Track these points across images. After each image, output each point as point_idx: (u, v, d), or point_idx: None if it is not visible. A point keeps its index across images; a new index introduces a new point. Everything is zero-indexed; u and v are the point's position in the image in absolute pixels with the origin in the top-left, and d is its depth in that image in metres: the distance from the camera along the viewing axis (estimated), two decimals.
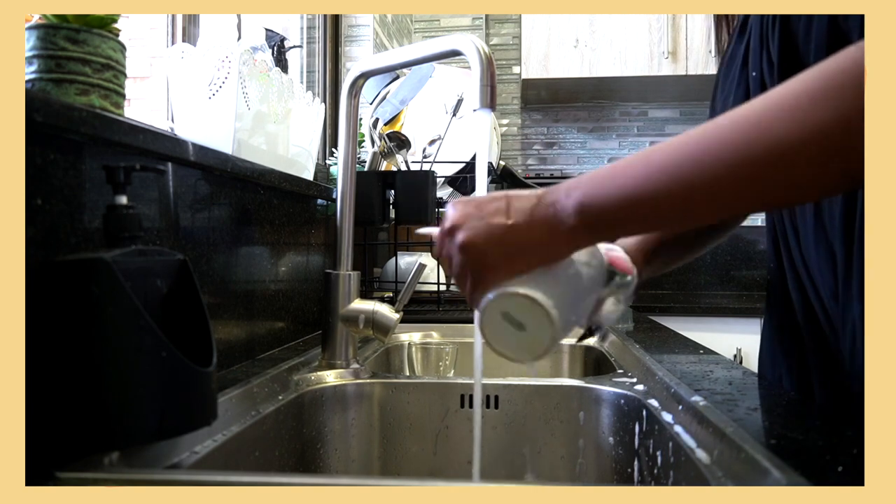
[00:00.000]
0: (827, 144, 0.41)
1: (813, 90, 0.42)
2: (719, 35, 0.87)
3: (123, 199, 0.53)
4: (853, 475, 0.43)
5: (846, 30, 0.58)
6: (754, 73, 0.70)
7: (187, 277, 0.55)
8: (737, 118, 0.45)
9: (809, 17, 0.61)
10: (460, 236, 0.52)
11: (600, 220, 0.49)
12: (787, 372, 0.75)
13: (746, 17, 0.75)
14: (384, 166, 1.51)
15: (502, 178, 1.76)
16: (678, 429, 0.62)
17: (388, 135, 1.52)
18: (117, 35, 0.67)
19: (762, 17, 0.69)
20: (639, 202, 0.47)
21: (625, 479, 0.77)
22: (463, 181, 1.72)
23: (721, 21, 0.86)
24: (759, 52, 0.69)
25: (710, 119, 0.69)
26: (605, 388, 0.83)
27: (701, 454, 0.55)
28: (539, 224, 0.50)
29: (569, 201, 0.49)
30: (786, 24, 0.65)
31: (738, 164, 0.43)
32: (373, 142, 1.65)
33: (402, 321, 0.92)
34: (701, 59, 2.43)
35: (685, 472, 0.57)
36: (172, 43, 1.26)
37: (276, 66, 1.20)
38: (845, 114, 0.40)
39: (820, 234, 0.66)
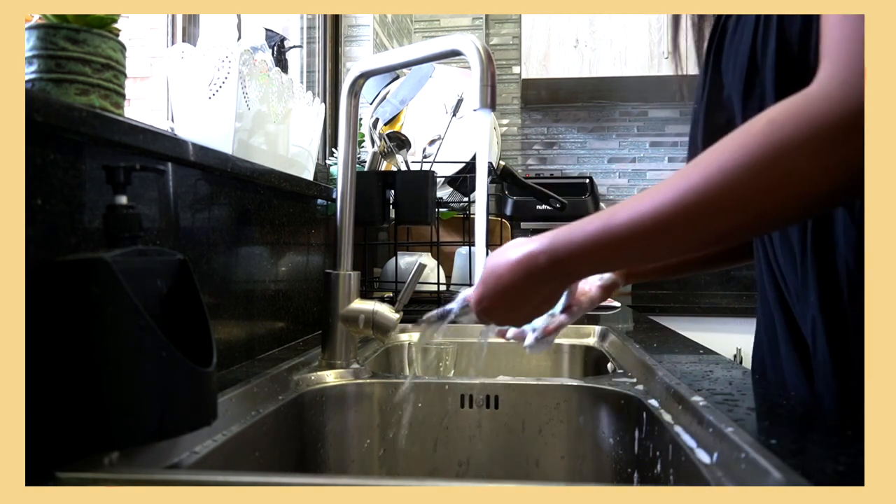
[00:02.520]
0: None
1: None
2: (676, 35, 0.89)
3: (123, 199, 0.53)
4: (853, 475, 0.43)
5: (789, 38, 0.59)
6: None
7: (187, 277, 0.55)
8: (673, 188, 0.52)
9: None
10: (479, 308, 0.69)
11: (563, 266, 0.60)
12: (773, 369, 0.75)
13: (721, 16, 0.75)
14: (384, 166, 1.51)
15: (502, 177, 1.76)
16: (678, 429, 0.62)
17: (388, 135, 1.52)
18: (117, 35, 0.67)
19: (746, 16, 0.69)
20: (598, 249, 0.57)
21: (624, 479, 0.77)
22: (463, 181, 1.72)
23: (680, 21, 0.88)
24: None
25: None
26: (605, 388, 0.83)
27: (701, 454, 0.55)
28: (521, 277, 0.63)
29: (542, 255, 0.61)
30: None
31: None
32: (373, 142, 1.65)
33: (402, 321, 0.92)
34: (701, 59, 2.42)
35: (685, 472, 0.57)
36: (172, 43, 1.26)
37: (276, 66, 1.20)
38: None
39: (783, 232, 0.67)
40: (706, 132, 0.72)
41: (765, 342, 0.76)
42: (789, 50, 0.59)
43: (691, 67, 0.91)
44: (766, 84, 0.62)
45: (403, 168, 1.50)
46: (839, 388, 0.61)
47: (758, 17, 0.63)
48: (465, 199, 1.70)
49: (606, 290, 0.87)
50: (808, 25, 0.55)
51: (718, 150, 0.49)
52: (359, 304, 0.89)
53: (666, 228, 0.52)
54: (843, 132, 0.44)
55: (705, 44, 0.82)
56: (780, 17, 0.60)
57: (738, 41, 0.66)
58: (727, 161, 0.48)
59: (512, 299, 0.65)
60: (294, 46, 1.40)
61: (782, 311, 0.70)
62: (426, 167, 1.53)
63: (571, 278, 0.69)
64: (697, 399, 0.63)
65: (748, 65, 0.64)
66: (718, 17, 0.74)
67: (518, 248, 0.64)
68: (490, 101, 0.71)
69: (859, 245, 0.59)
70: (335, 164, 1.55)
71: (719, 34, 0.71)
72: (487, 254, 0.75)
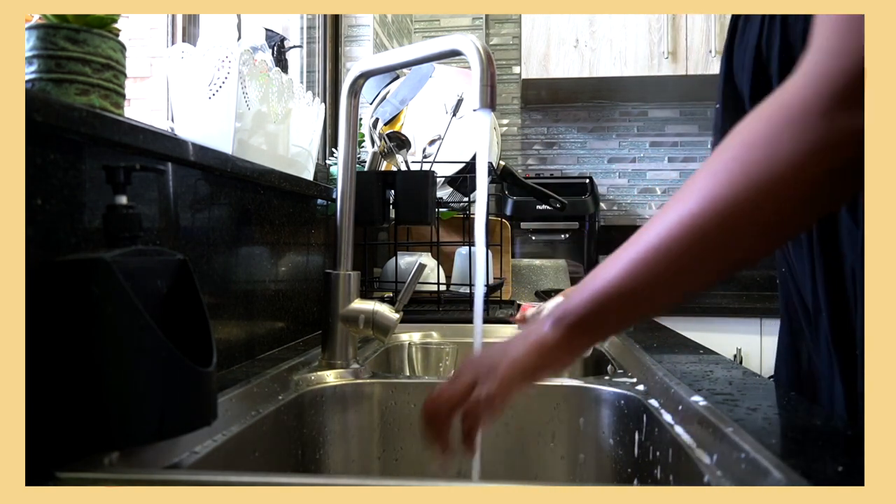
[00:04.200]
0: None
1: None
2: None
3: (123, 199, 0.53)
4: (853, 475, 0.43)
5: (792, 40, 0.59)
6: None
7: (187, 277, 0.55)
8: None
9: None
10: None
11: (576, 328, 0.53)
12: (795, 376, 0.74)
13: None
14: (384, 166, 1.51)
15: (502, 177, 1.76)
16: (678, 429, 0.62)
17: (388, 135, 1.52)
18: (117, 35, 0.67)
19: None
20: (608, 304, 0.51)
21: (625, 480, 0.77)
22: (463, 181, 1.72)
23: None
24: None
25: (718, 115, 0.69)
26: (605, 389, 0.83)
27: (701, 454, 0.55)
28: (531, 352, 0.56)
29: (546, 323, 0.54)
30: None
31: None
32: (373, 142, 1.65)
33: (402, 321, 0.92)
34: (701, 59, 2.42)
35: (685, 472, 0.57)
36: (172, 43, 1.26)
37: (276, 66, 1.20)
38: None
39: (800, 237, 0.66)
40: (723, 134, 0.71)
41: (794, 351, 0.74)
42: (792, 50, 0.59)
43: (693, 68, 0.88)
44: (773, 84, 0.61)
45: (403, 168, 1.50)
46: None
47: (763, 17, 0.63)
48: (465, 199, 1.70)
49: None
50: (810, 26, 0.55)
51: (713, 162, 0.47)
52: (359, 304, 0.89)
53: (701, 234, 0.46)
54: (820, 110, 0.41)
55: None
56: (784, 18, 0.60)
57: (746, 42, 0.65)
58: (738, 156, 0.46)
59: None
60: (294, 46, 1.40)
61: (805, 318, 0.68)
62: (426, 167, 1.53)
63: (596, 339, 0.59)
64: (697, 399, 0.63)
65: (754, 66, 0.63)
66: (733, 18, 0.73)
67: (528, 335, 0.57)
68: (490, 101, 0.71)
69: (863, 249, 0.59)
70: (335, 164, 1.55)
71: (730, 34, 0.71)
72: (487, 254, 0.70)
